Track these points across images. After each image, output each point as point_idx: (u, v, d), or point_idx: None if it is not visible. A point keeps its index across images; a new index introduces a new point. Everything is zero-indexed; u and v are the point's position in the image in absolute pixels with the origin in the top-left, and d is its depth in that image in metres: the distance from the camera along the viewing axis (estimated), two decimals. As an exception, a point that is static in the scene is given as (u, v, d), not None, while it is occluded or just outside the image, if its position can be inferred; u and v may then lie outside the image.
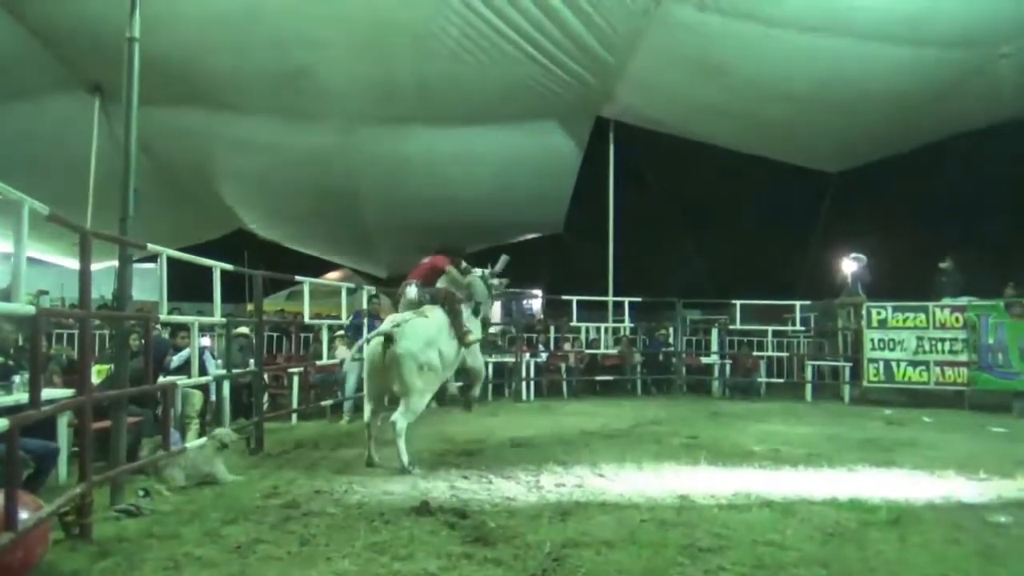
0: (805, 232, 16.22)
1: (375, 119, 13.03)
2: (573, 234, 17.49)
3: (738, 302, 13.31)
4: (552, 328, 14.35)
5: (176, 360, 7.33)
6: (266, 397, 8.88)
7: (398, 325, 6.28)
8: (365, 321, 9.53)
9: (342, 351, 10.58)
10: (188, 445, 5.93)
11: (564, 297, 13.94)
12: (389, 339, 6.19)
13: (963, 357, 10.82)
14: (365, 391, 6.59)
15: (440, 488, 5.41)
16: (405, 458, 5.96)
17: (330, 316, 11.14)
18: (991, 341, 10.53)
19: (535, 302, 18.68)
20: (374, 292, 10.79)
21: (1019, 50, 10.35)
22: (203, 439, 6.11)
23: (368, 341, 6.51)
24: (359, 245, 18.21)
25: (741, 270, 17.00)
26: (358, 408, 8.87)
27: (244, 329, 9.04)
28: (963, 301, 11.27)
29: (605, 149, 15.08)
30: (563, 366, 13.31)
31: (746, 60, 11.05)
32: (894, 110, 12.08)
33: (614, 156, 15.10)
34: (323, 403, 9.58)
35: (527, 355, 12.86)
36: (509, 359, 12.79)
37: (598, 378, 13.42)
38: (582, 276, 15.92)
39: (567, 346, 13.76)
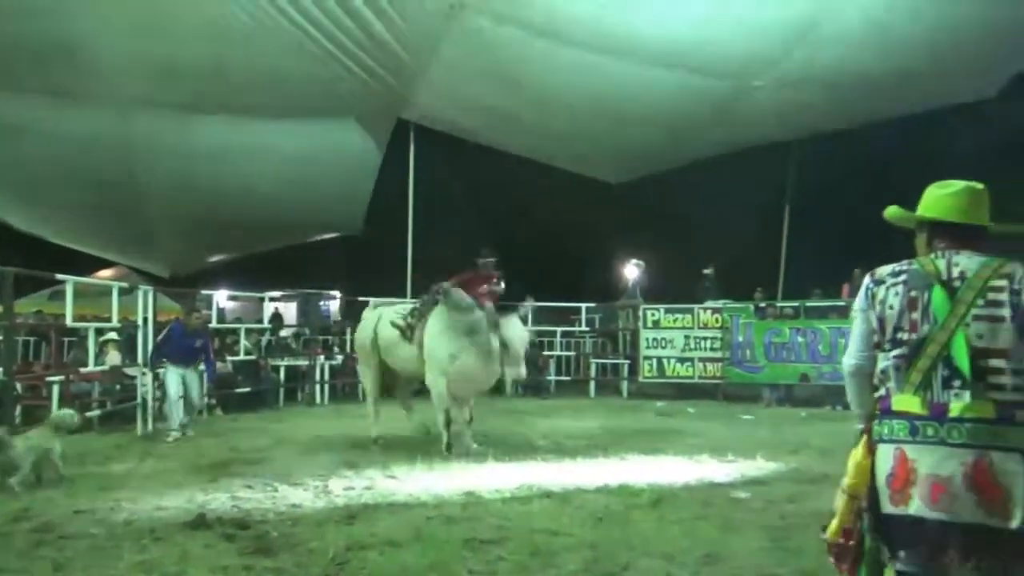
0: (591, 238, 17.32)
1: (159, 104, 12.07)
2: (372, 235, 17.33)
3: (529, 304, 13.92)
4: (349, 330, 14.12)
5: None
6: (19, 409, 7.92)
7: None
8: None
9: (114, 356, 9.71)
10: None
11: (362, 298, 13.76)
12: None
13: (720, 354, 12.14)
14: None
15: (220, 499, 5.16)
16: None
17: (98, 319, 10.15)
18: (741, 339, 11.92)
19: (332, 303, 18.26)
20: (198, 310, 9.83)
21: (770, 83, 11.81)
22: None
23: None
24: (137, 241, 16.70)
25: (533, 273, 17.78)
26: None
27: None
28: (720, 304, 12.67)
29: (406, 151, 15.11)
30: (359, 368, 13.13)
31: (537, 73, 11.60)
32: (667, 129, 13.26)
33: (415, 158, 15.17)
34: (88, 415, 8.69)
35: (321, 358, 12.56)
36: (303, 362, 12.42)
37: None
38: (381, 277, 15.82)
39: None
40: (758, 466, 6.37)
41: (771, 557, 3.91)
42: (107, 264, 18.35)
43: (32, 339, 12.70)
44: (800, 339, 11.39)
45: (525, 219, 18.67)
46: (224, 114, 12.69)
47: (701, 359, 12.31)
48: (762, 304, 12.46)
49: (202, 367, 8.70)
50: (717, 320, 12.26)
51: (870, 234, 14.25)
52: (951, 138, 13.64)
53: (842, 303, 11.82)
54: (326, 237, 17.96)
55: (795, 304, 12.36)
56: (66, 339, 11.93)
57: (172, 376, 8.28)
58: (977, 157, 14.05)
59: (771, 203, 15.55)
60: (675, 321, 12.55)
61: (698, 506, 4.95)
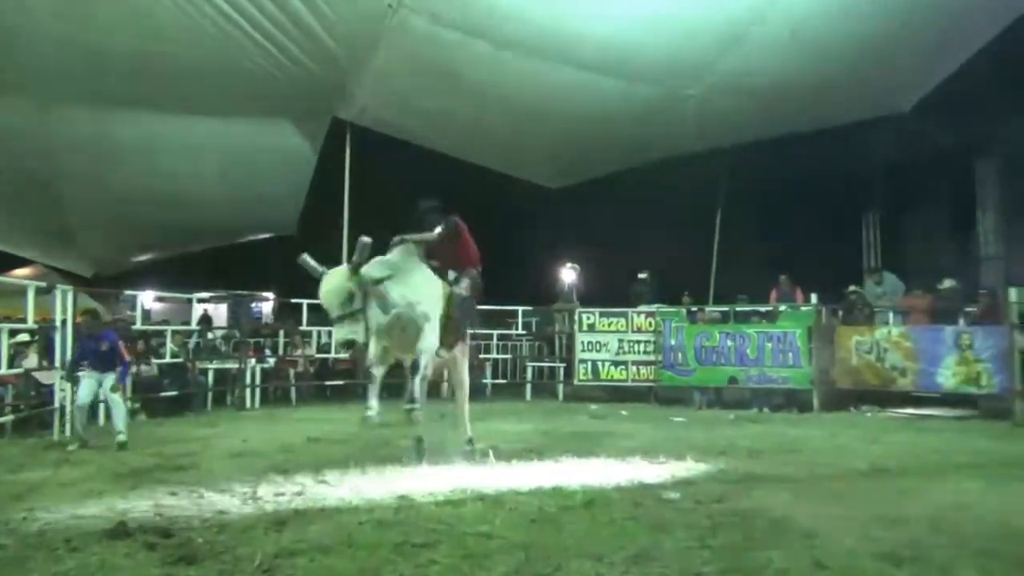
0: (529, 242, 17.43)
1: (80, 96, 11.58)
2: (307, 235, 17.02)
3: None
4: (281, 332, 13.84)
5: None
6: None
7: None
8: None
9: (32, 359, 9.31)
10: None
11: (295, 300, 13.51)
12: None
13: (653, 357, 12.37)
14: None
15: (142, 507, 4.98)
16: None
17: (10, 319, 9.68)
18: (673, 343, 12.17)
19: (265, 305, 17.88)
20: (91, 308, 9.45)
21: (699, 92, 12.11)
22: None
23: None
24: (57, 239, 15.98)
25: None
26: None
27: None
28: (653, 308, 12.91)
29: (342, 151, 14.89)
30: (292, 371, 12.89)
31: (474, 74, 11.59)
32: (603, 135, 13.44)
33: (350, 159, 14.96)
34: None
35: (252, 361, 12.27)
36: (232, 365, 12.11)
37: (328, 383, 13.21)
38: (315, 279, 15.55)
39: (297, 352, 13.35)
40: (688, 467, 6.50)
41: (698, 556, 4.00)
42: (24, 263, 17.52)
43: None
44: (729, 343, 11.68)
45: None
46: (151, 109, 12.24)
47: (635, 362, 12.51)
48: (693, 308, 12.76)
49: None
50: (651, 324, 12.48)
51: (796, 242, 14.85)
52: (873, 151, 14.29)
53: (769, 307, 12.24)
54: (260, 237, 17.56)
55: (724, 308, 12.72)
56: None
57: (83, 382, 7.99)
58: (895, 171, 14.84)
59: (704, 209, 15.96)
60: (610, 325, 12.73)
61: (629, 507, 5.02)
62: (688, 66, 11.50)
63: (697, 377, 11.93)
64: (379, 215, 16.64)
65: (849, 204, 15.53)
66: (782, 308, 12.06)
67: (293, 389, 12.75)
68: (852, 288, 12.09)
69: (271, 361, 12.83)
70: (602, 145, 14.03)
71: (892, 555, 3.93)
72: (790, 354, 11.27)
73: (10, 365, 8.51)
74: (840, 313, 11.83)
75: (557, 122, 13.02)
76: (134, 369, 9.88)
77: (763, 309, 12.26)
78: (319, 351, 13.60)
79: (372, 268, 5.86)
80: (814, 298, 11.93)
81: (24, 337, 9.20)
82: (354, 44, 10.99)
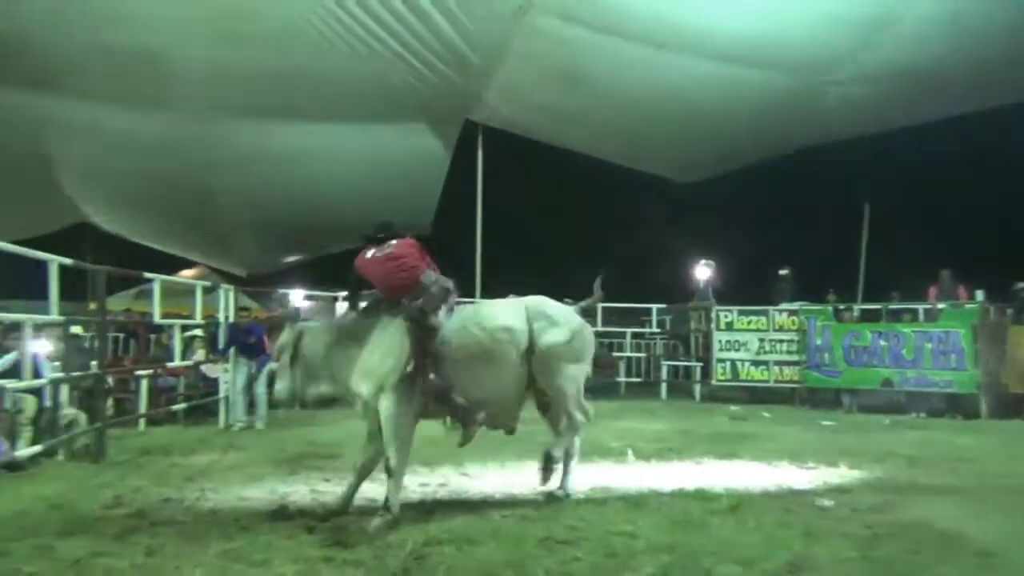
0: (663, 238, 17.08)
1: (234, 110, 12.48)
2: (441, 235, 17.51)
3: (600, 305, 13.80)
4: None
5: (0, 364, 6.71)
6: (110, 402, 8.31)
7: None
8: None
9: (200, 354, 10.14)
10: (18, 454, 5.47)
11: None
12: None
13: (796, 357, 11.77)
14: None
15: (300, 491, 5.30)
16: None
17: (182, 316, 10.57)
18: (819, 342, 11.53)
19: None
20: (245, 308, 10.48)
21: (843, 79, 11.42)
22: (37, 447, 5.66)
23: None
24: (216, 242, 17.32)
25: (603, 273, 17.64)
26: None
27: (76, 329, 8.43)
28: (796, 306, 12.29)
29: (474, 152, 15.21)
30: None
31: (605, 71, 11.52)
32: (738, 127, 12.96)
33: (483, 159, 15.26)
34: (173, 408, 9.09)
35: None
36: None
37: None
38: (449, 277, 15.96)
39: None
40: (841, 473, 6.15)
41: (858, 568, 3.76)
42: (189, 264, 19.08)
43: (121, 335, 13.27)
44: (882, 343, 10.92)
45: (595, 219, 18.58)
46: (296, 118, 12.98)
47: (777, 362, 11.99)
48: (841, 306, 12.04)
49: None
50: (793, 323, 11.90)
51: (953, 234, 13.70)
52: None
53: (927, 305, 11.35)
54: (396, 238, 18.20)
55: (876, 306, 11.89)
56: (152, 336, 12.49)
57: (239, 370, 9.10)
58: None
59: (849, 201, 15.05)
60: (749, 323, 12.27)
61: (779, 513, 4.79)
62: (831, 54, 10.94)
63: (846, 379, 11.25)
64: (509, 213, 17.01)
65: (1014, 192, 14.14)
66: (940, 306, 11.14)
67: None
68: (1022, 285, 11.00)
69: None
70: (736, 137, 13.54)
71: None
72: (953, 356, 10.39)
73: (182, 358, 9.30)
74: (1009, 312, 10.79)
75: (689, 116, 12.70)
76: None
77: (922, 307, 11.35)
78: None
79: None
80: (979, 295, 10.96)
81: (198, 332, 10.03)
82: (487, 48, 11.21)
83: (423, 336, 4.81)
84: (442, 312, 5.00)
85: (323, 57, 10.81)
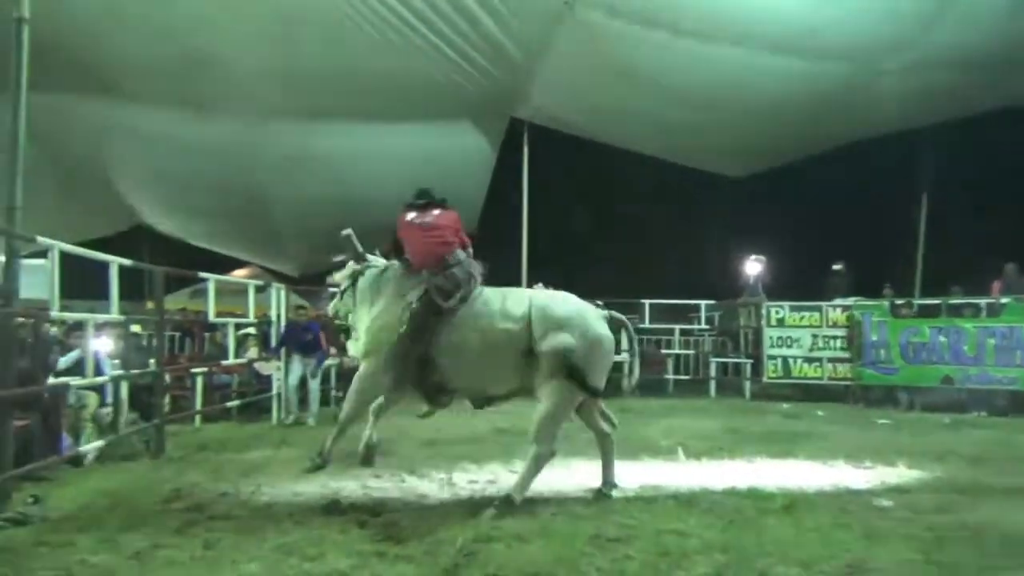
0: (711, 234, 16.84)
1: (282, 112, 12.69)
2: (487, 233, 17.55)
3: (647, 302, 13.66)
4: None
5: (64, 362, 6.94)
6: (167, 399, 8.53)
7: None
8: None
9: (253, 352, 10.35)
10: (82, 449, 5.65)
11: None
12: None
13: (850, 354, 11.46)
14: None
15: (352, 487, 5.36)
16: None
17: (235, 315, 10.79)
18: (874, 338, 11.20)
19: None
20: (302, 305, 10.74)
21: (899, 67, 11.08)
22: (99, 443, 5.84)
23: None
24: (267, 242, 17.67)
25: (650, 270, 17.48)
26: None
27: (136, 328, 8.70)
28: (851, 301, 11.97)
29: (519, 149, 15.20)
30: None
31: (652, 66, 11.37)
32: (790, 119, 12.67)
33: (528, 157, 15.23)
34: (228, 404, 9.30)
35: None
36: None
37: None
38: (496, 275, 16.00)
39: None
40: (899, 473, 5.97)
41: (923, 572, 3.64)
42: (241, 264, 19.50)
43: (177, 334, 13.63)
44: (942, 339, 10.58)
45: (641, 216, 18.41)
46: (343, 119, 13.15)
47: (830, 359, 11.70)
48: (898, 302, 11.68)
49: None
50: (848, 318, 11.60)
51: (1017, 226, 13.17)
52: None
53: (990, 300, 10.94)
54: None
55: (936, 301, 11.50)
56: (206, 334, 12.79)
57: (293, 366, 9.34)
58: None
59: (904, 193, 14.61)
60: (801, 319, 11.99)
61: (836, 513, 4.68)
62: (887, 41, 10.62)
63: (903, 376, 10.92)
64: (555, 211, 16.95)
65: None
66: (1004, 300, 10.72)
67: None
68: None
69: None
70: (788, 130, 13.24)
71: None
72: (1017, 352, 10.02)
73: (236, 356, 9.50)
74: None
75: (738, 109, 12.46)
76: (337, 360, 10.64)
77: (984, 302, 10.93)
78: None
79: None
80: (1047, 290, 10.55)
81: (251, 330, 10.24)
82: (533, 46, 11.18)
83: (428, 314, 4.81)
84: (456, 297, 4.91)
85: (370, 58, 10.91)
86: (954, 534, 4.23)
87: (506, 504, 4.64)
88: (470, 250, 5.29)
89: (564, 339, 4.79)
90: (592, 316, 5.04)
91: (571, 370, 4.75)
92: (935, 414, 10.11)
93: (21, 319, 5.57)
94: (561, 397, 4.82)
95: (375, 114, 13.18)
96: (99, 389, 6.95)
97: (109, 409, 6.86)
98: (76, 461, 6.05)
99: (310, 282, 17.48)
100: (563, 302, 5.08)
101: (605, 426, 5.29)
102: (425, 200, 5.23)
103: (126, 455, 6.67)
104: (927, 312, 11.23)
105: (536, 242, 15.30)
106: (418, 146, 14.14)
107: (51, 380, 6.14)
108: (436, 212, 5.16)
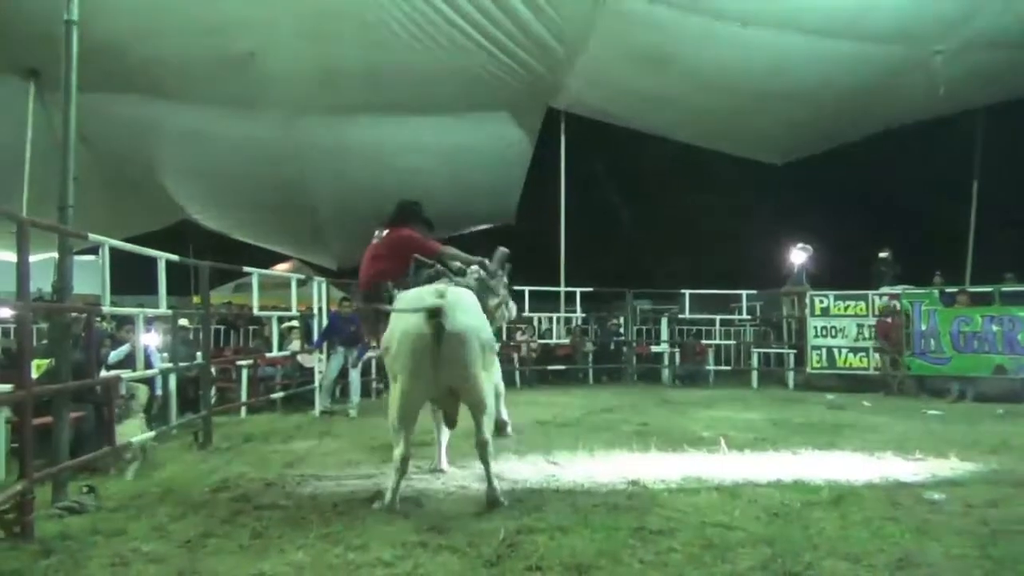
0: (752, 222, 16.58)
1: (321, 107, 12.81)
2: (525, 224, 17.54)
3: (687, 292, 13.53)
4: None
5: (115, 355, 7.13)
6: (214, 391, 8.72)
7: (443, 295, 4.58)
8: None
9: (296, 344, 10.51)
10: (133, 440, 5.80)
11: (516, 287, 13.95)
12: (435, 314, 4.43)
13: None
14: (404, 405, 4.66)
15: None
16: (497, 488, 4.70)
17: (278, 308, 10.98)
18: (924, 328, 10.93)
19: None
20: (348, 298, 10.83)
21: (952, 48, 10.74)
22: (150, 433, 5.98)
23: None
24: (308, 236, 17.92)
25: (690, 260, 17.31)
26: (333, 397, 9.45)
27: (184, 321, 8.90)
28: (899, 289, 11.68)
29: (556, 139, 15.14)
30: (515, 356, 13.35)
31: (692, 52, 11.22)
32: (834, 103, 12.41)
33: (565, 147, 15.17)
34: (272, 396, 9.46)
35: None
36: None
37: (550, 367, 13.52)
38: (534, 266, 16.00)
39: (519, 336, 13.81)
40: (951, 466, 5.81)
41: (978, 567, 3.53)
42: (283, 258, 19.82)
43: (222, 327, 13.91)
44: (995, 328, 10.28)
45: (681, 205, 18.21)
46: (382, 113, 13.23)
47: (877, 349, 11.43)
48: (951, 290, 11.36)
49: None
50: (881, 308, 11.35)
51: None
52: None
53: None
54: (480, 228, 18.38)
55: (987, 289, 11.17)
56: (251, 327, 13.02)
57: (334, 358, 9.37)
58: None
59: (955, 179, 14.20)
60: (847, 308, 11.76)
61: (885, 506, 4.57)
62: (937, 21, 10.29)
63: (954, 366, 10.65)
64: (593, 200, 16.84)
65: None
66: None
67: (517, 373, 13.20)
68: None
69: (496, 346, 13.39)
70: (831, 115, 12.96)
71: None
72: (1074, 341, 9.68)
73: (279, 348, 9.66)
74: None
75: (780, 94, 12.23)
76: (377, 352, 10.75)
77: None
78: (541, 336, 13.95)
79: None
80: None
81: (294, 323, 10.40)
82: (570, 35, 11.09)
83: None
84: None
85: (408, 52, 10.94)
86: (1011, 528, 4.11)
87: None
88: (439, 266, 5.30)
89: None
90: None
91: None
92: (988, 404, 9.83)
93: (75, 314, 5.72)
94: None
95: (414, 108, 13.23)
96: (149, 381, 7.13)
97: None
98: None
99: (350, 275, 17.73)
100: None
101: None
102: (398, 214, 5.46)
103: (175, 446, 6.84)
104: (978, 300, 10.93)
105: (574, 231, 15.24)
106: (457, 139, 14.18)
107: (103, 373, 6.31)
108: (390, 232, 5.34)
